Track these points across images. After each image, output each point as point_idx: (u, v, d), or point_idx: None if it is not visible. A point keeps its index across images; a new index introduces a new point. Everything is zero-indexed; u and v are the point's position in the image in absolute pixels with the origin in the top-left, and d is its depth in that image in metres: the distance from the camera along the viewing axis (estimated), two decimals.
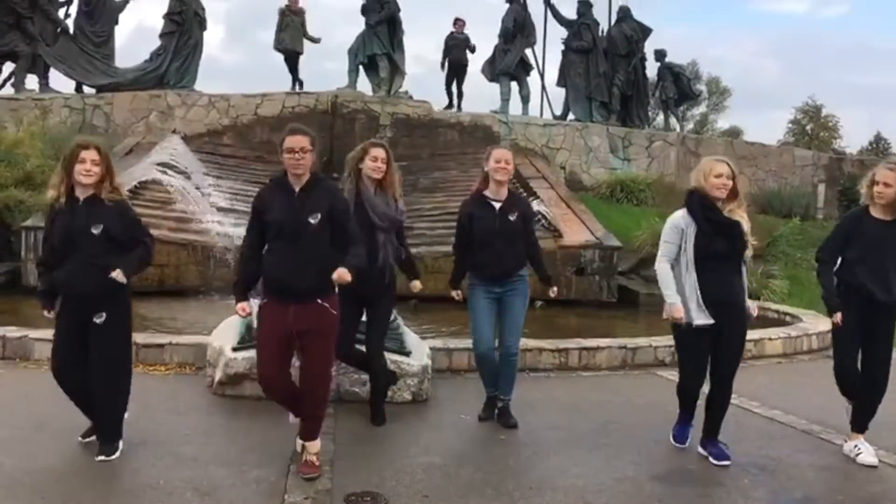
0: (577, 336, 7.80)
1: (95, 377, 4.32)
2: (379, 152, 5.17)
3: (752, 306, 4.76)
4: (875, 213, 4.81)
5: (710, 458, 4.66)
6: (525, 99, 17.83)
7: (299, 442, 4.31)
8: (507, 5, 17.69)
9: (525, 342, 5.86)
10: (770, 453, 4.88)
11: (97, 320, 4.26)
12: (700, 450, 4.77)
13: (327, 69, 27.28)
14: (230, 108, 15.80)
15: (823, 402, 5.29)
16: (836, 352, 5.07)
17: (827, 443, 5.16)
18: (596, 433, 5.19)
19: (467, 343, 6.56)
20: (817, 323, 8.83)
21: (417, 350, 6.04)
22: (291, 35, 16.39)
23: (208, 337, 6.23)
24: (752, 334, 7.99)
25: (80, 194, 4.27)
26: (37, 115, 14.71)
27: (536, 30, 17.90)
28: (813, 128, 39.63)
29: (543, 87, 18.69)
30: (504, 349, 5.25)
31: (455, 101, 17.63)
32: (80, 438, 4.48)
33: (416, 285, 5.58)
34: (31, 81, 16.16)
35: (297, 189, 4.18)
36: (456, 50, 17.30)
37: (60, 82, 16.32)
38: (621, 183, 15.86)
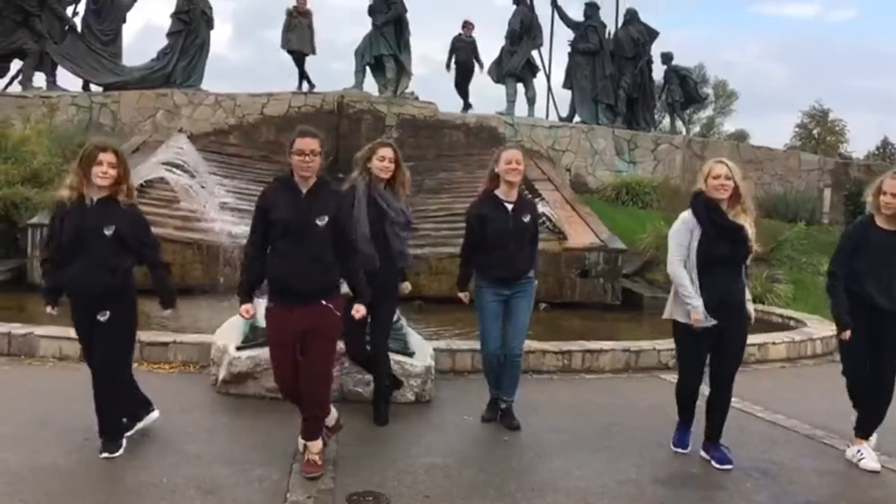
0: (580, 338, 7.79)
1: (97, 374, 4.35)
2: (387, 152, 5.17)
3: (750, 308, 4.76)
4: (881, 223, 4.80)
5: (713, 462, 4.67)
6: (531, 100, 17.83)
7: (301, 441, 4.33)
8: (514, 7, 17.70)
9: (528, 344, 5.86)
10: (773, 457, 4.88)
11: (101, 318, 4.29)
12: (702, 453, 4.78)
13: (334, 69, 27.42)
14: (236, 107, 15.83)
15: (827, 406, 5.29)
16: (844, 361, 5.06)
17: (830, 447, 5.15)
18: (599, 436, 5.19)
19: (471, 344, 6.58)
20: (822, 328, 8.80)
21: (421, 351, 6.05)
22: (298, 36, 16.41)
23: (212, 336, 6.24)
24: (756, 338, 8.01)
25: (93, 195, 4.28)
26: (44, 113, 14.80)
27: (543, 32, 17.92)
28: (820, 132, 39.48)
29: (549, 89, 18.73)
30: (508, 350, 5.25)
31: (464, 101, 17.62)
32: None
33: (406, 286, 5.55)
34: (39, 79, 16.25)
35: (304, 190, 4.19)
36: (463, 52, 17.30)
37: (68, 80, 16.40)
38: (626, 185, 15.87)
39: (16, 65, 16.25)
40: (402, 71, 16.62)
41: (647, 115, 18.90)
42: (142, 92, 15.70)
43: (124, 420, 4.51)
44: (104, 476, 4.09)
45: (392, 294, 5.31)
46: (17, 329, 6.67)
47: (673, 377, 5.23)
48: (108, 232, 4.23)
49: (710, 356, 4.75)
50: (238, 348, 5.68)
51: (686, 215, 4.67)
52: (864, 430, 4.93)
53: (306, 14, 16.60)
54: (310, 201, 4.17)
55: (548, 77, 18.44)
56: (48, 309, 4.46)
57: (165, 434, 4.73)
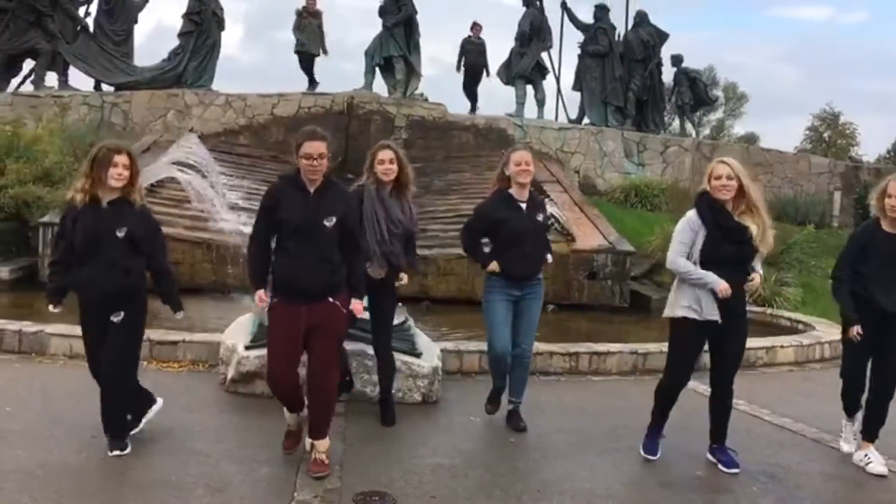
0: (588, 340, 7.79)
1: (106, 378, 4.38)
2: (385, 154, 5.18)
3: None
4: (886, 226, 4.79)
5: (720, 466, 4.66)
6: (540, 102, 17.80)
7: (308, 441, 4.35)
8: (524, 9, 17.70)
9: (536, 345, 5.87)
10: (779, 461, 4.88)
11: (115, 319, 4.32)
12: (709, 456, 4.77)
13: (344, 70, 27.52)
14: (247, 107, 15.87)
15: (834, 410, 5.27)
16: (845, 361, 5.06)
17: (837, 451, 5.15)
18: (605, 438, 5.20)
19: (478, 345, 6.59)
20: (830, 331, 8.77)
21: (428, 351, 6.07)
22: (308, 37, 16.45)
23: (221, 335, 6.28)
24: (763, 342, 8.00)
25: (105, 196, 4.31)
26: (56, 113, 14.89)
27: (553, 33, 17.89)
28: (830, 135, 39.24)
29: (559, 91, 18.71)
30: (518, 351, 5.24)
31: (472, 104, 17.63)
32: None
33: (403, 278, 5.41)
34: (51, 79, 16.32)
35: (311, 190, 4.21)
36: (472, 54, 17.31)
37: (79, 80, 16.47)
38: (635, 188, 15.83)
39: (28, 64, 16.33)
40: (412, 72, 16.63)
41: (657, 117, 18.86)
42: (153, 92, 15.77)
43: (129, 417, 4.54)
44: (113, 474, 4.13)
45: (390, 294, 5.32)
46: (28, 327, 6.72)
47: None
48: (120, 233, 4.27)
49: (711, 356, 4.76)
50: (247, 347, 5.72)
51: (691, 215, 4.63)
52: (869, 433, 4.93)
53: (316, 15, 16.63)
54: (318, 202, 4.19)
55: (557, 79, 18.45)
56: (52, 307, 4.48)
57: (174, 432, 4.77)
